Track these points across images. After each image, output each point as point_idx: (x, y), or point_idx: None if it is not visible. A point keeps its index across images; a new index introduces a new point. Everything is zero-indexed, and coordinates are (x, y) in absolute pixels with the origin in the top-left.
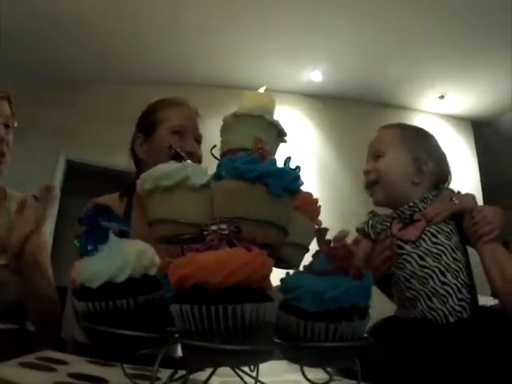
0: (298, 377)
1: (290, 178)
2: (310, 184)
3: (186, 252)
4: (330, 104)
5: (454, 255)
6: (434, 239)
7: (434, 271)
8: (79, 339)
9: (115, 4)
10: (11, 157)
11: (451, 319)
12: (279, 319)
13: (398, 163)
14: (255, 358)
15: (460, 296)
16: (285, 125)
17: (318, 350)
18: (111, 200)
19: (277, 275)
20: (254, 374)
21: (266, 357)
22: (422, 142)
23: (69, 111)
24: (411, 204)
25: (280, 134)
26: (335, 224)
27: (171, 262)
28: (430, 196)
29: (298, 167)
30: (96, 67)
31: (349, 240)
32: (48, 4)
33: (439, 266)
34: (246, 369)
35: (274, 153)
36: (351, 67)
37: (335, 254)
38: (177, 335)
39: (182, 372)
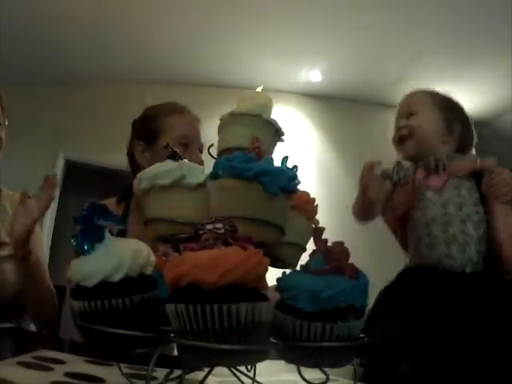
0: (295, 377)
1: (287, 177)
2: (309, 183)
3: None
4: (329, 104)
5: (475, 208)
6: (456, 191)
7: (455, 219)
8: (77, 339)
9: (115, 4)
10: (9, 156)
11: (468, 269)
12: (275, 319)
13: (430, 121)
14: (251, 357)
15: (478, 248)
16: (284, 124)
17: (314, 350)
18: (109, 204)
19: (273, 275)
20: (250, 374)
21: (262, 356)
22: (451, 105)
23: (68, 111)
24: (437, 157)
25: (277, 133)
26: (333, 223)
27: (167, 261)
28: (456, 156)
29: (295, 166)
30: (95, 67)
31: (378, 171)
32: (48, 4)
33: (461, 214)
34: (242, 369)
35: (271, 152)
36: (350, 67)
37: (332, 254)
38: (172, 335)
39: (178, 371)
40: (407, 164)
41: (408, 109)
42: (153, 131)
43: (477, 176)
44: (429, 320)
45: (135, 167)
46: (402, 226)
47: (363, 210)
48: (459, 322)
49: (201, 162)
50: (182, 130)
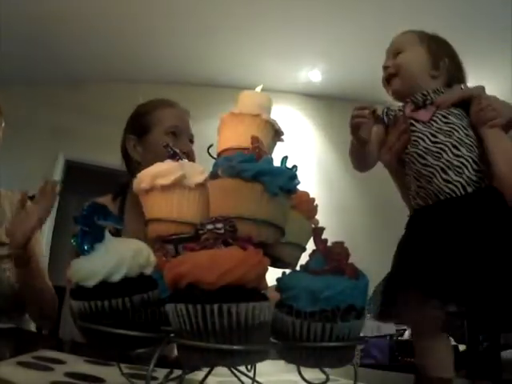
0: (295, 377)
1: (287, 177)
2: (309, 183)
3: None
4: (330, 104)
5: (466, 132)
6: (444, 119)
7: (446, 145)
8: (78, 339)
9: (114, 4)
10: (9, 156)
11: (469, 189)
12: (275, 319)
13: (416, 57)
14: (251, 357)
15: (476, 167)
16: (284, 124)
17: (314, 350)
18: (104, 202)
19: (273, 275)
20: (250, 374)
21: (262, 357)
22: (438, 41)
23: (68, 111)
24: (424, 92)
25: (277, 133)
26: (333, 223)
27: (167, 261)
28: (442, 90)
29: (294, 166)
30: (95, 66)
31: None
32: (47, 5)
33: (451, 140)
34: (242, 369)
35: (271, 152)
36: (350, 67)
37: (332, 254)
38: (172, 335)
39: (178, 372)
40: (395, 107)
41: (395, 48)
42: (143, 125)
43: (465, 106)
44: (448, 252)
45: (128, 162)
46: (401, 165)
47: (357, 154)
48: (471, 244)
49: (191, 151)
50: (171, 121)
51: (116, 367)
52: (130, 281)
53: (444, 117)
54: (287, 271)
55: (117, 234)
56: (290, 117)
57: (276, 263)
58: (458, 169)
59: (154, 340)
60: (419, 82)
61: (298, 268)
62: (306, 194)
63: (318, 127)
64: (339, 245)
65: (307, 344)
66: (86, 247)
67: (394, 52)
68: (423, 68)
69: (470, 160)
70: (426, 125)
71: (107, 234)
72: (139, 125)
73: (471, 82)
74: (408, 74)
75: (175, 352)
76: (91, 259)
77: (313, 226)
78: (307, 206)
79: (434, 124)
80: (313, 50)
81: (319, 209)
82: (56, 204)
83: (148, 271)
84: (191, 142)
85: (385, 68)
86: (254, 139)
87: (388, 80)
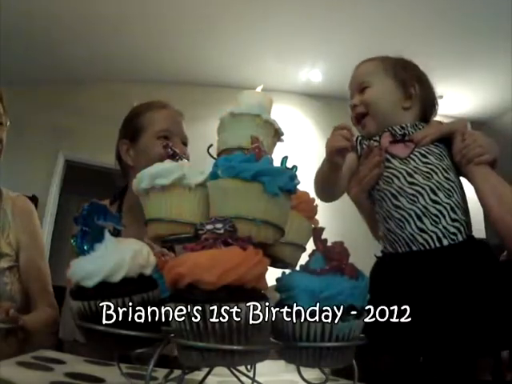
0: (295, 377)
1: (287, 177)
2: (309, 183)
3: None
4: (330, 104)
5: (446, 175)
6: (423, 159)
7: (424, 188)
8: (80, 339)
9: (114, 5)
10: (9, 156)
11: (445, 242)
12: (275, 319)
13: (385, 91)
14: (251, 357)
15: (454, 216)
16: (284, 124)
17: (314, 350)
18: None
19: (273, 275)
20: (250, 374)
21: (262, 357)
22: (404, 66)
23: (68, 111)
24: (403, 125)
25: (277, 133)
26: (333, 223)
27: (167, 261)
28: (420, 126)
29: (294, 166)
30: (95, 66)
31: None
32: (47, 5)
33: (430, 183)
34: (242, 369)
35: (271, 152)
36: (350, 67)
37: (331, 254)
38: (172, 335)
39: (178, 371)
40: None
41: (360, 82)
42: (135, 129)
43: (446, 143)
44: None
45: (123, 166)
46: (370, 201)
47: (329, 180)
48: (440, 300)
49: (184, 155)
50: (163, 124)
51: (116, 367)
52: (129, 281)
53: (423, 156)
54: (287, 271)
55: (117, 234)
56: (290, 117)
57: (276, 263)
58: (434, 217)
59: (154, 340)
60: (393, 118)
61: (297, 268)
62: (306, 194)
63: (318, 127)
64: (339, 245)
65: (307, 344)
66: (86, 247)
67: (359, 87)
68: (394, 102)
69: (448, 207)
70: (402, 161)
71: (107, 234)
72: (131, 129)
73: (471, 81)
74: (380, 112)
75: (175, 352)
76: (91, 259)
77: (313, 226)
78: (307, 206)
79: (412, 162)
80: (313, 49)
81: (319, 209)
82: (56, 204)
83: (148, 271)
84: (185, 144)
85: (352, 107)
86: (254, 139)
87: (358, 119)
